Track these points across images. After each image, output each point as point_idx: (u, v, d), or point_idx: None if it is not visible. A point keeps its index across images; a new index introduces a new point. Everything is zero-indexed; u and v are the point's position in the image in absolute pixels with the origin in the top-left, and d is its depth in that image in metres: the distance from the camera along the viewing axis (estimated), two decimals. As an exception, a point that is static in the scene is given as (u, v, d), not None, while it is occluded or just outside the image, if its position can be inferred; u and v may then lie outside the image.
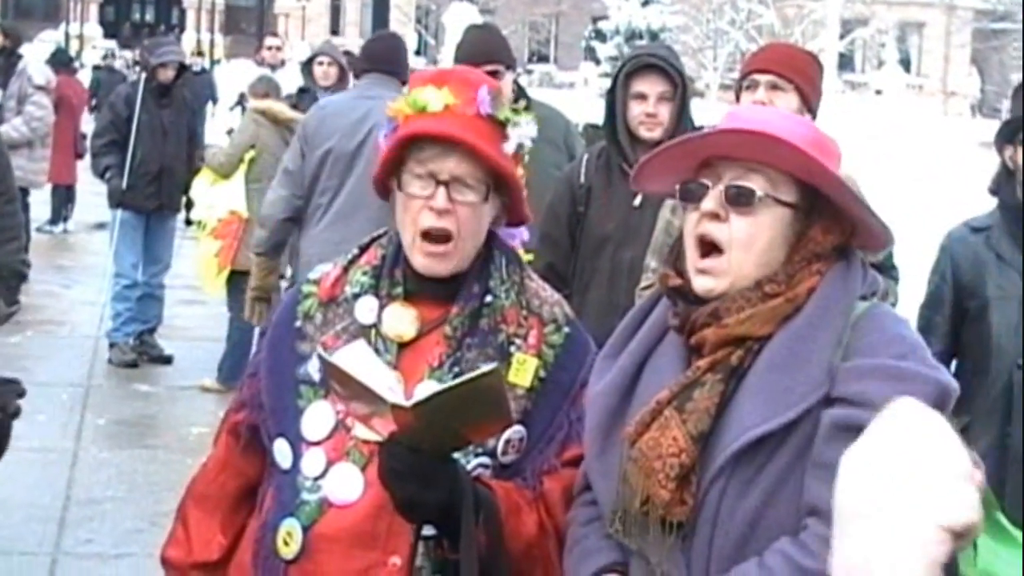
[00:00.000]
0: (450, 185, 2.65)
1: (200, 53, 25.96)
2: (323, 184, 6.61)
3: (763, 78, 4.49)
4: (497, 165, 2.68)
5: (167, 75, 10.21)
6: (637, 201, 4.81)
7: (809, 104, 4.53)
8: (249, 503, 2.84)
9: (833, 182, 2.41)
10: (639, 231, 4.69)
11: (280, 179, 6.83)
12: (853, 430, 2.18)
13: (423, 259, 2.68)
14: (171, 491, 6.68)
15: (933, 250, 4.70)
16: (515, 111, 2.73)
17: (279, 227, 6.86)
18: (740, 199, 2.39)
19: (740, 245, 2.39)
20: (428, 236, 2.66)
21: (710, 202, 2.40)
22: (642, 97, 4.91)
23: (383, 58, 7.10)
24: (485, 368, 2.44)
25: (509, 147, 2.71)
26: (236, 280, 9.28)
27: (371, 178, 2.81)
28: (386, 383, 2.46)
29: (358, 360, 2.50)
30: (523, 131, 2.73)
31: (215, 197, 9.68)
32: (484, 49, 5.77)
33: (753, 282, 2.39)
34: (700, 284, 2.42)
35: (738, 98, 4.61)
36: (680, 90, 4.90)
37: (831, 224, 2.43)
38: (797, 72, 4.53)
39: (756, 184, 2.39)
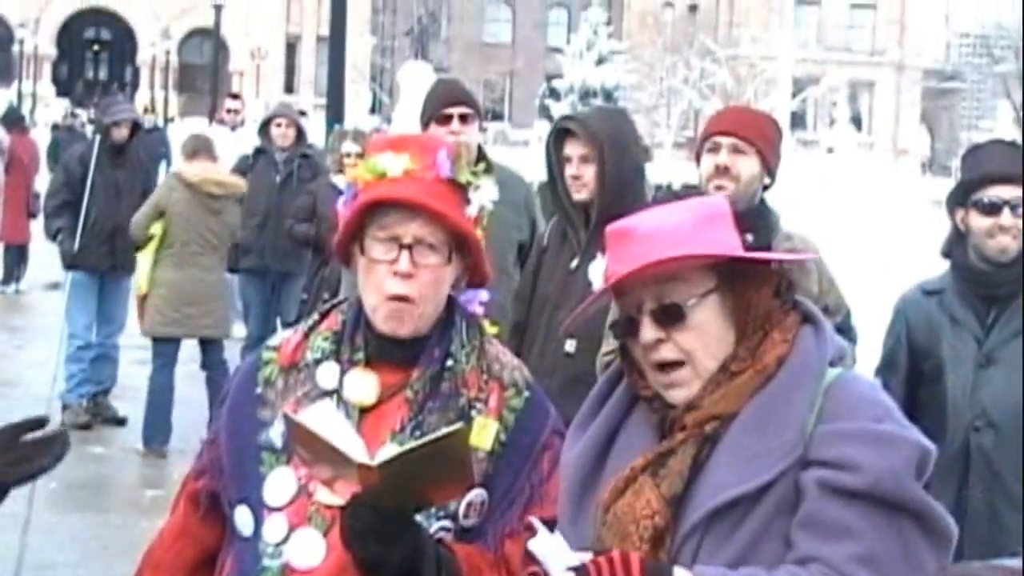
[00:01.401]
0: (413, 248, 2.66)
1: (151, 110, 25.93)
2: None
3: (725, 140, 4.53)
4: (459, 227, 2.70)
5: (121, 134, 10.16)
6: (574, 264, 4.84)
7: (769, 167, 4.58)
8: (206, 571, 2.82)
9: (731, 253, 2.43)
10: (573, 293, 4.71)
11: None
12: (842, 493, 2.26)
13: (385, 318, 2.69)
14: (125, 555, 6.63)
15: (887, 310, 4.73)
16: (475, 173, 2.75)
17: None
18: (670, 317, 2.41)
19: (694, 353, 2.41)
20: (392, 300, 2.68)
21: (648, 332, 2.42)
22: (569, 160, 4.96)
23: None
24: (451, 428, 2.45)
25: (471, 210, 2.73)
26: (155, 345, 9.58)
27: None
28: (351, 442, 2.47)
29: (324, 420, 2.50)
30: (484, 194, 2.75)
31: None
32: (455, 93, 5.90)
33: (718, 367, 2.42)
34: (674, 397, 2.43)
35: (698, 159, 4.64)
36: (600, 151, 4.91)
37: (759, 277, 2.45)
38: (759, 136, 4.58)
39: (676, 295, 2.41)
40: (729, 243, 2.45)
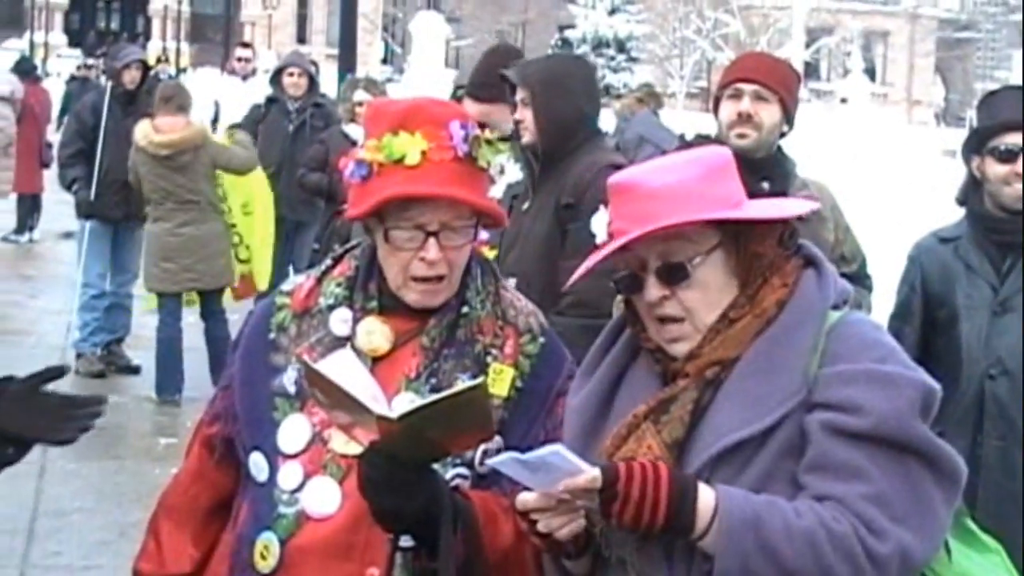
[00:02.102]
0: (439, 233, 2.63)
1: (164, 60, 25.74)
2: None
3: (748, 87, 4.48)
4: (483, 209, 2.68)
5: (132, 77, 10.11)
6: (524, 206, 4.79)
7: (789, 115, 4.55)
8: (222, 516, 2.83)
9: (738, 214, 2.41)
10: (520, 235, 4.65)
11: None
12: (848, 435, 2.26)
13: (417, 296, 2.68)
14: (139, 502, 6.68)
15: (900, 259, 4.72)
16: (491, 145, 2.69)
17: None
18: (675, 275, 2.40)
19: (696, 309, 2.41)
20: (419, 280, 2.66)
21: (652, 290, 2.42)
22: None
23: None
24: (471, 382, 2.45)
25: (496, 192, 2.70)
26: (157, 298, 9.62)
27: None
28: (370, 393, 2.47)
29: (343, 369, 2.50)
30: (508, 175, 2.72)
31: None
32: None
33: (719, 317, 2.42)
34: (676, 351, 2.44)
35: (716, 107, 4.59)
36: (533, 95, 4.82)
37: (762, 230, 2.44)
38: (780, 83, 4.54)
39: (681, 254, 2.40)
40: (734, 197, 2.44)
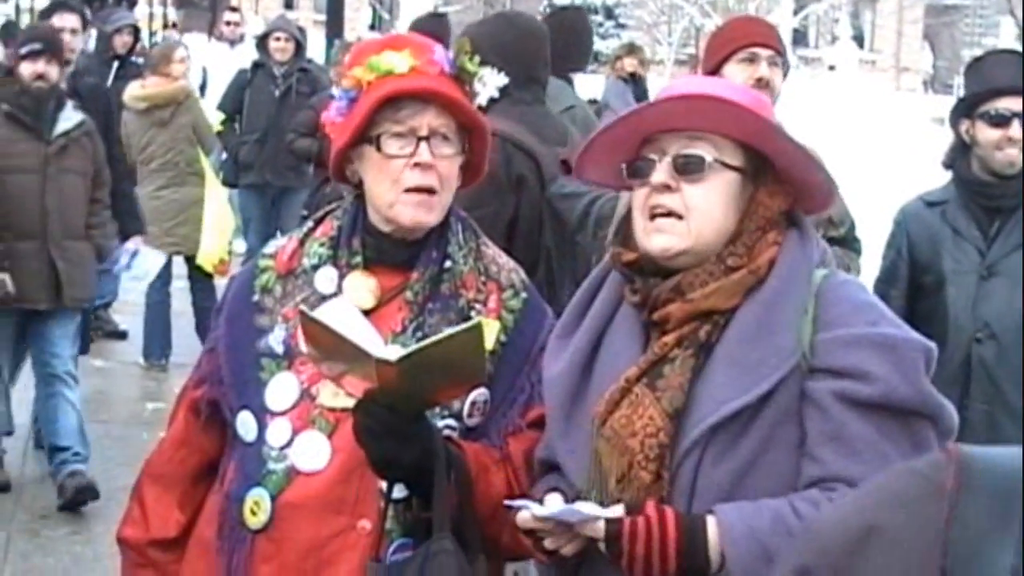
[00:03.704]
0: (430, 139, 2.66)
1: (172, 26, 25.41)
2: None
3: (765, 52, 4.42)
4: (471, 116, 2.71)
5: (124, 42, 10.12)
6: None
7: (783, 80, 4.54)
8: (207, 479, 2.84)
9: (779, 142, 2.43)
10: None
11: None
12: (861, 404, 2.28)
13: (412, 211, 2.68)
14: (126, 466, 6.67)
15: (886, 224, 4.72)
16: (474, 63, 2.73)
17: None
18: (690, 167, 2.40)
19: (697, 211, 2.40)
20: (412, 192, 2.67)
21: (660, 174, 2.42)
22: None
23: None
24: (469, 323, 2.47)
25: (480, 100, 2.74)
26: None
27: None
28: (369, 338, 2.48)
29: (339, 316, 2.51)
30: (490, 86, 2.75)
31: None
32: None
33: (714, 254, 2.40)
34: (657, 243, 2.42)
35: (716, 71, 4.47)
36: None
37: (775, 188, 2.45)
38: (782, 48, 4.52)
39: (704, 151, 2.41)
40: (781, 135, 2.46)
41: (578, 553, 2.41)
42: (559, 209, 4.49)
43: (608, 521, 2.29)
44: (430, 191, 2.67)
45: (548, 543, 2.38)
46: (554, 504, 2.38)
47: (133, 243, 7.62)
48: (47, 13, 8.53)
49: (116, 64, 10.13)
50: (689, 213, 2.40)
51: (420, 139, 2.65)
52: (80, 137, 6.80)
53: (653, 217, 2.42)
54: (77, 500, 6.66)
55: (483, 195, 3.99)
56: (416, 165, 2.65)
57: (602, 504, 2.37)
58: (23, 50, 6.72)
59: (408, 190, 2.66)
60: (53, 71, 6.72)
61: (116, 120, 8.31)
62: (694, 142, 2.41)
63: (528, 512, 2.37)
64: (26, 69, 6.67)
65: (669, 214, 2.41)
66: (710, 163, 2.40)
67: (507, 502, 2.47)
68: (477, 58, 2.74)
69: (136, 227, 7.70)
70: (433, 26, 8.62)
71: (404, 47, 2.70)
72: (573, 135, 4.81)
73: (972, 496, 1.21)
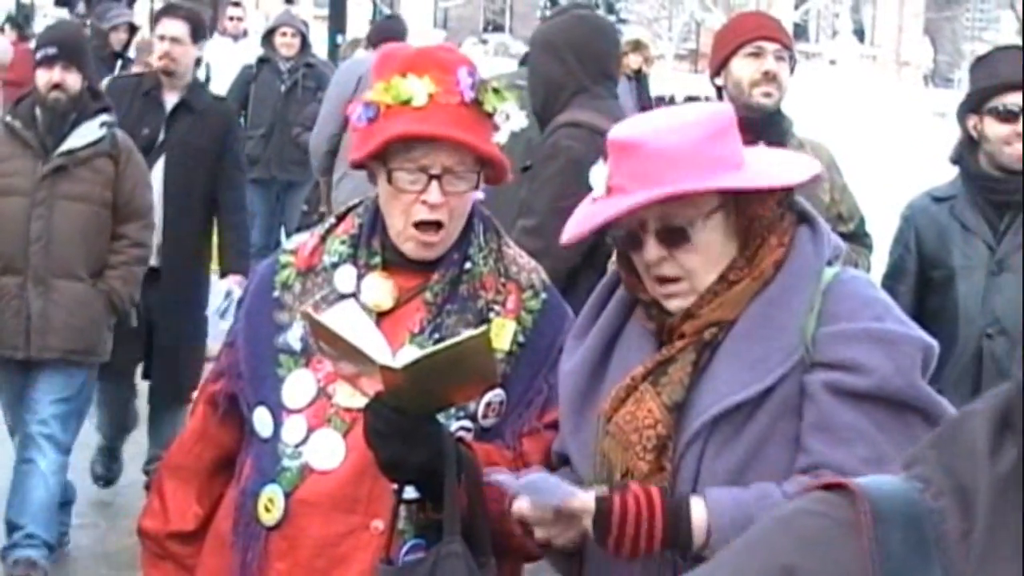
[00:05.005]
0: (442, 178, 2.64)
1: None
2: None
3: (771, 46, 4.46)
4: (487, 155, 2.68)
5: (120, 39, 10.06)
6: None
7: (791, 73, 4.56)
8: (226, 473, 2.85)
9: (741, 183, 2.40)
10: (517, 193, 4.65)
11: (327, 117, 7.98)
12: (851, 395, 2.28)
13: (414, 247, 2.69)
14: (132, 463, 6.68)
15: (890, 219, 4.72)
16: (499, 94, 2.70)
17: (325, 158, 8.01)
18: (675, 238, 2.40)
19: (695, 270, 2.41)
20: (420, 225, 2.67)
21: (652, 252, 2.40)
22: None
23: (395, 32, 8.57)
24: (475, 331, 2.48)
25: (500, 138, 2.70)
26: None
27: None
28: (374, 343, 2.49)
29: (347, 320, 2.52)
30: (513, 123, 2.72)
31: None
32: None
33: (717, 278, 2.42)
34: (671, 305, 2.43)
35: (723, 66, 4.52)
36: (531, 55, 4.92)
37: (763, 192, 2.43)
38: (790, 42, 4.56)
39: (682, 217, 2.39)
40: (736, 158, 2.43)
41: (576, 552, 2.43)
42: None
43: (599, 499, 2.30)
44: (438, 225, 2.67)
45: (538, 533, 2.39)
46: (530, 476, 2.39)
47: (227, 283, 6.54)
48: (157, 17, 7.45)
49: (118, 62, 10.09)
50: (690, 275, 2.41)
51: (432, 176, 2.64)
52: (93, 158, 5.73)
53: (659, 280, 2.43)
54: None
55: (570, 184, 4.00)
56: (424, 202, 2.64)
57: None
58: (37, 55, 5.82)
59: (417, 224, 2.66)
60: (72, 79, 5.71)
61: (238, 140, 7.17)
62: (669, 207, 2.38)
63: (523, 503, 2.37)
64: (41, 77, 5.72)
65: (673, 279, 2.42)
66: (693, 227, 2.39)
67: (487, 477, 2.48)
68: (502, 90, 2.71)
69: (239, 266, 6.56)
70: (390, 27, 9.02)
71: (427, 70, 2.65)
72: None
73: (888, 527, 1.19)
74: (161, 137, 6.48)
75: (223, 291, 6.50)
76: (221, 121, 6.79)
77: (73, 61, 5.71)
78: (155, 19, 6.98)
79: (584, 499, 2.31)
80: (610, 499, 2.30)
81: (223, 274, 6.66)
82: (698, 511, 2.28)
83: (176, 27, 6.64)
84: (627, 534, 2.28)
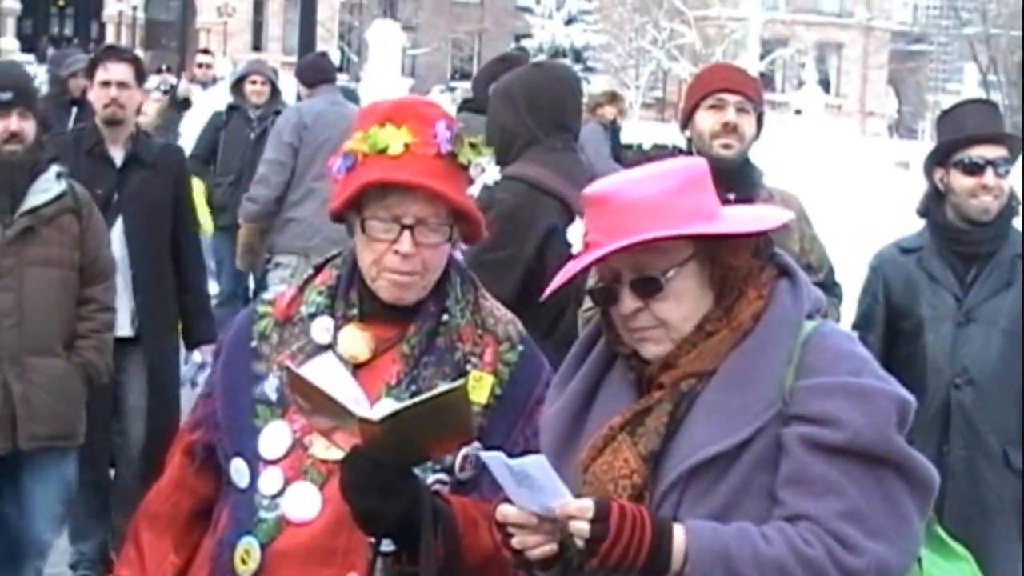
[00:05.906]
0: (415, 228, 2.66)
1: (167, 70, 24.93)
2: (319, 170, 7.71)
3: (732, 99, 4.48)
4: (460, 207, 2.70)
5: (79, 84, 9.94)
6: None
7: (760, 127, 4.60)
8: (203, 523, 2.84)
9: (712, 228, 2.42)
10: None
11: (272, 168, 8.44)
12: (825, 449, 2.29)
13: (387, 286, 2.70)
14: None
15: (855, 268, 4.76)
16: (476, 148, 2.73)
17: (270, 204, 8.48)
18: (649, 289, 2.41)
19: (670, 320, 2.42)
20: (393, 272, 2.68)
21: (627, 304, 2.42)
22: None
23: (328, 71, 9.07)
24: (452, 384, 2.48)
25: (474, 190, 2.72)
26: None
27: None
28: (352, 396, 2.49)
29: (325, 373, 2.52)
30: (488, 176, 2.74)
31: None
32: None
33: (694, 328, 2.43)
34: (648, 352, 2.45)
35: (688, 116, 4.57)
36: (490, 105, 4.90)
37: (737, 241, 2.44)
38: (758, 95, 4.59)
39: (655, 266, 2.41)
40: (708, 208, 2.45)
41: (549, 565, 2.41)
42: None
43: (594, 522, 2.28)
44: (409, 274, 2.68)
45: (515, 541, 2.37)
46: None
47: (200, 355, 6.12)
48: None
49: (75, 109, 10.01)
50: (665, 324, 2.42)
51: (404, 227, 2.65)
52: (58, 215, 5.03)
53: (635, 330, 2.45)
54: None
55: (502, 237, 4.01)
56: (396, 252, 2.66)
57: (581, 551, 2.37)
58: None
59: (390, 271, 2.68)
60: (29, 127, 4.96)
61: (189, 184, 6.59)
62: (642, 257, 2.40)
63: (508, 508, 2.36)
64: None
65: (650, 327, 2.44)
66: (667, 277, 2.41)
67: (480, 453, 2.48)
68: (479, 144, 2.74)
69: (206, 333, 6.12)
70: (316, 65, 9.25)
71: (405, 121, 2.67)
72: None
73: None
74: (115, 196, 5.96)
75: (196, 362, 6.19)
76: (173, 169, 6.31)
77: (29, 107, 5.01)
78: (93, 63, 6.22)
79: (582, 500, 2.30)
80: (608, 502, 2.30)
81: (194, 345, 6.28)
82: (679, 535, 2.28)
83: (122, 71, 6.09)
84: (623, 538, 2.27)
